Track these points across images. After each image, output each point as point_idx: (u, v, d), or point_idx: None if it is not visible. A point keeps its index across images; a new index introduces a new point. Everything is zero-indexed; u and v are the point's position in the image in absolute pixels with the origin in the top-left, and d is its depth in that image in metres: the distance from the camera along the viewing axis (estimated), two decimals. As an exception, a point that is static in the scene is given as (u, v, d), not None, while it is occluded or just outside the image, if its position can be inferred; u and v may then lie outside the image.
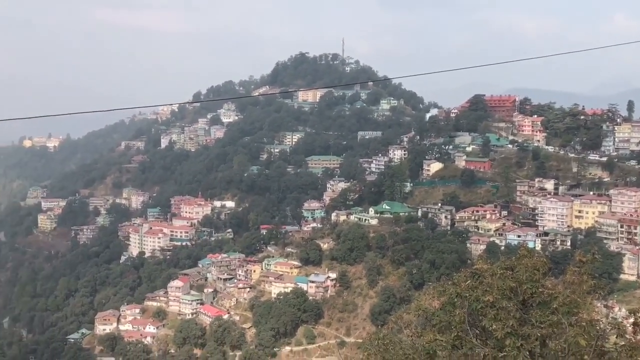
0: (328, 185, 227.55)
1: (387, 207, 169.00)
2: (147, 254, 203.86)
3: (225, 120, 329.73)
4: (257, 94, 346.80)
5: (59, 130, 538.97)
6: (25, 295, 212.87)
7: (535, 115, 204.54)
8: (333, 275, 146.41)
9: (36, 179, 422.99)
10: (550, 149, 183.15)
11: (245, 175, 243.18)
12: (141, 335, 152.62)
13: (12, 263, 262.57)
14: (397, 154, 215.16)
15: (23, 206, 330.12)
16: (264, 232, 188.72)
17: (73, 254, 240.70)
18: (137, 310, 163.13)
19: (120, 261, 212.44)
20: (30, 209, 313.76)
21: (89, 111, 44.09)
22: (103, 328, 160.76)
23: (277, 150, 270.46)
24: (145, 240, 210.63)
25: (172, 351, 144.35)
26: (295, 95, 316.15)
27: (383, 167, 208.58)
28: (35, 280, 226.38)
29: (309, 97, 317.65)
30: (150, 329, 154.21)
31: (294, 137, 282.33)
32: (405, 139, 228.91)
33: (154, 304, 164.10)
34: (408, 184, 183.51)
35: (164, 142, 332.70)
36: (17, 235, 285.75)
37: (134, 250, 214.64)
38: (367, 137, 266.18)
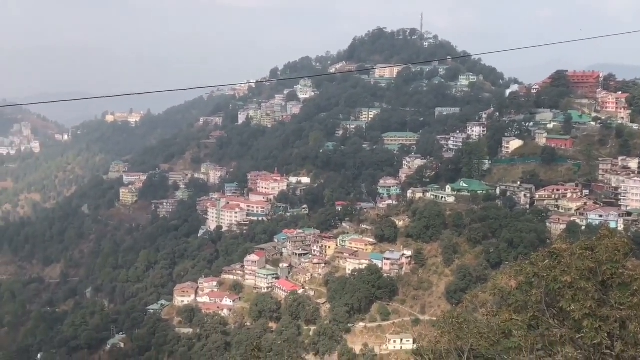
0: (404, 162, 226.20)
1: (464, 184, 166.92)
2: (224, 228, 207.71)
3: (301, 96, 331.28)
4: (333, 70, 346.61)
5: (140, 106, 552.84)
6: (108, 267, 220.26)
7: (620, 92, 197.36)
8: (408, 252, 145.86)
9: (118, 154, 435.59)
10: (635, 126, 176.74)
11: (321, 151, 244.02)
12: (218, 307, 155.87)
13: (95, 235, 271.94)
14: (475, 131, 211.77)
15: (106, 180, 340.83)
16: (339, 208, 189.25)
17: (153, 227, 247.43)
18: (214, 283, 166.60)
19: (199, 235, 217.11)
20: (113, 182, 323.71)
21: (170, 90, 44.90)
22: (181, 300, 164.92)
23: (353, 126, 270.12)
24: (223, 215, 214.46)
25: (248, 324, 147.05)
26: (372, 71, 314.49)
27: (461, 144, 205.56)
28: (117, 252, 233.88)
29: (385, 72, 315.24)
30: (227, 301, 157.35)
31: (370, 113, 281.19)
32: (484, 116, 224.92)
33: (231, 277, 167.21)
34: (486, 162, 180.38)
35: (241, 118, 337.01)
36: (100, 208, 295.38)
37: (211, 225, 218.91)
38: (444, 113, 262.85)
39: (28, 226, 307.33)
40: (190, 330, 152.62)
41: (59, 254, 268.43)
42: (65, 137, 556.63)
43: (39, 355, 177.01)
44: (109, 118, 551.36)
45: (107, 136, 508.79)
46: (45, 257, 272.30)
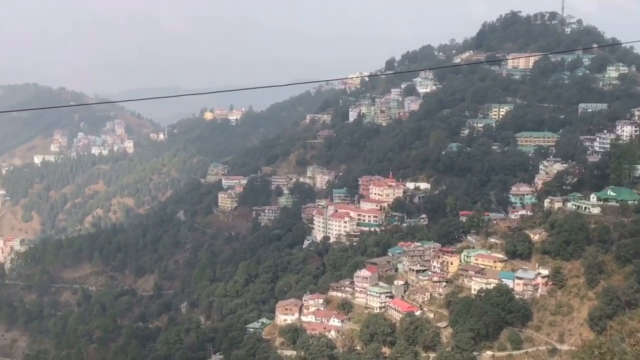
0: (541, 167, 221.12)
1: (612, 193, 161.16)
2: (332, 239, 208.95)
3: (421, 90, 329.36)
4: (459, 60, 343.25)
5: (241, 102, 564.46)
6: (204, 279, 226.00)
7: None
8: (544, 271, 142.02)
9: (217, 155, 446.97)
10: None
11: (443, 153, 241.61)
12: (324, 328, 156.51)
13: (191, 244, 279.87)
14: (626, 131, 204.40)
15: (203, 183, 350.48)
16: (463, 219, 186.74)
17: (253, 237, 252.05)
18: (321, 301, 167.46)
19: (303, 246, 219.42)
20: (211, 186, 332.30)
21: (274, 85, 45.62)
22: (284, 318, 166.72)
23: (480, 125, 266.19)
24: (330, 224, 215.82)
25: (358, 348, 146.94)
26: (504, 62, 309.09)
27: (608, 145, 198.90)
28: (215, 264, 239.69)
29: (520, 63, 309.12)
30: (335, 322, 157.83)
31: (501, 109, 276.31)
32: (636, 113, 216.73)
33: (339, 294, 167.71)
34: (639, 167, 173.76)
35: (352, 115, 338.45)
36: (196, 215, 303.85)
37: (317, 235, 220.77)
38: (589, 110, 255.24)
39: (120, 233, 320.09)
40: (294, 352, 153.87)
41: (152, 264, 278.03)
42: (161, 136, 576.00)
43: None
44: (208, 115, 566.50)
45: (205, 135, 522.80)
46: (138, 268, 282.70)
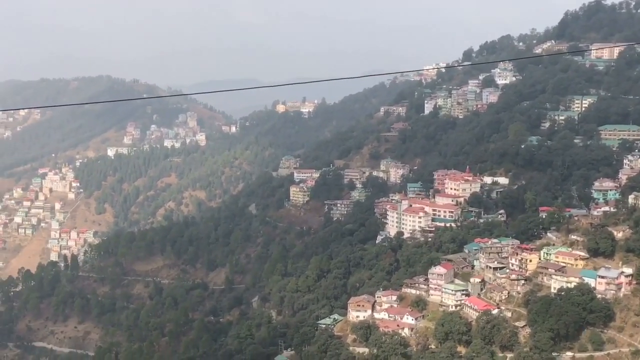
0: (625, 162, 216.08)
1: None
2: (406, 235, 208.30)
3: (500, 81, 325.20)
4: (539, 51, 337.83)
5: (314, 95, 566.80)
6: (276, 274, 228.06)
7: None
8: (628, 270, 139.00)
9: (289, 148, 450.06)
10: None
11: (523, 147, 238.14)
12: (398, 325, 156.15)
13: (262, 238, 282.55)
14: None
15: (275, 177, 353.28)
16: (543, 215, 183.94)
17: (326, 231, 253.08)
18: (394, 298, 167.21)
19: (376, 241, 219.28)
20: (283, 180, 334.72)
21: (347, 77, 45.75)
22: (356, 314, 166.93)
23: (562, 117, 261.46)
24: (404, 219, 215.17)
25: (432, 346, 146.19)
26: (587, 52, 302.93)
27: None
28: (286, 258, 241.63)
29: (604, 53, 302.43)
30: (408, 319, 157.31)
31: (584, 102, 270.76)
32: None
33: (413, 291, 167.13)
34: None
35: (427, 108, 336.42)
36: (268, 208, 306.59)
37: (391, 230, 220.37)
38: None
39: (192, 226, 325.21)
40: (366, 350, 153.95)
41: (224, 258, 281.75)
42: (233, 128, 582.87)
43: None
44: (280, 108, 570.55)
45: (278, 128, 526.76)
46: (210, 261, 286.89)
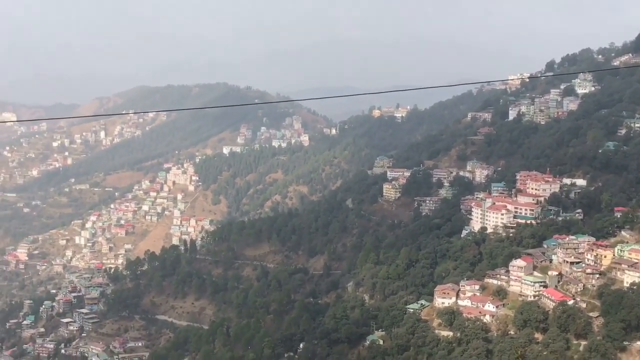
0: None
1: None
2: (489, 230, 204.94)
3: (580, 91, 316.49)
4: (617, 63, 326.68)
5: (407, 101, 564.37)
6: (369, 262, 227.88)
7: None
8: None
9: (383, 149, 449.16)
10: None
11: (600, 151, 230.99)
12: (480, 312, 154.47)
13: (357, 229, 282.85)
14: None
15: (370, 175, 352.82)
16: (618, 214, 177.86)
17: (415, 225, 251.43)
18: (477, 287, 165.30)
19: (461, 235, 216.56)
20: (377, 177, 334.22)
21: (436, 86, 45.62)
22: (442, 301, 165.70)
23: (638, 124, 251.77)
24: (488, 216, 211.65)
25: (512, 332, 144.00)
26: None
27: None
28: (379, 248, 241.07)
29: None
30: (490, 307, 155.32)
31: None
32: None
33: (494, 282, 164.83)
34: None
35: (512, 114, 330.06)
36: (363, 203, 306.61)
37: (475, 225, 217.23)
38: None
39: (295, 217, 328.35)
40: (450, 333, 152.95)
41: (322, 246, 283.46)
42: (333, 131, 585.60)
43: (301, 345, 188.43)
44: (376, 113, 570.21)
45: (373, 131, 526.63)
46: (310, 249, 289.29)
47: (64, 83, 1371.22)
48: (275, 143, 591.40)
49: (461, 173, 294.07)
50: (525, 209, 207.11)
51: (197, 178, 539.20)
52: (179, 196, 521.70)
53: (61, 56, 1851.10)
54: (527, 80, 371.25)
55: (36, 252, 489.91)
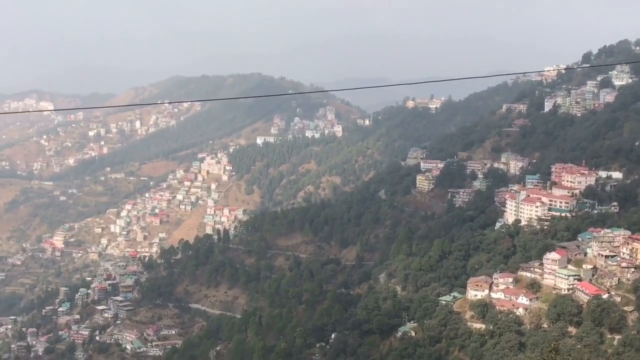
0: None
1: None
2: (523, 223, 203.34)
3: (617, 83, 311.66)
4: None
5: (441, 92, 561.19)
6: (402, 253, 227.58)
7: None
8: None
9: (417, 140, 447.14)
10: None
11: (637, 144, 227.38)
12: (513, 305, 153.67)
13: (390, 220, 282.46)
14: None
15: (403, 166, 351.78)
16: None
17: (448, 216, 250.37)
18: (510, 280, 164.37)
19: (495, 227, 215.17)
20: (410, 169, 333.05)
21: (472, 77, 45.37)
22: (474, 294, 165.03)
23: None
24: (522, 208, 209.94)
25: (545, 325, 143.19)
26: None
27: None
28: (411, 239, 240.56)
29: None
30: (523, 300, 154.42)
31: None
32: None
33: (528, 274, 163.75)
34: None
35: (547, 106, 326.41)
36: (396, 194, 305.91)
37: (509, 218, 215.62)
38: None
39: (328, 208, 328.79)
40: (483, 326, 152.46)
41: (355, 237, 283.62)
42: (366, 122, 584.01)
43: (332, 335, 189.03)
44: (410, 104, 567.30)
45: (407, 122, 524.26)
46: (342, 239, 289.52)
47: (101, 74, 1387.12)
48: (308, 133, 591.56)
49: (495, 165, 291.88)
50: (560, 202, 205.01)
51: (231, 168, 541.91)
52: (213, 186, 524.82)
53: (99, 49, 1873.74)
54: (563, 71, 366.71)
55: (72, 239, 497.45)
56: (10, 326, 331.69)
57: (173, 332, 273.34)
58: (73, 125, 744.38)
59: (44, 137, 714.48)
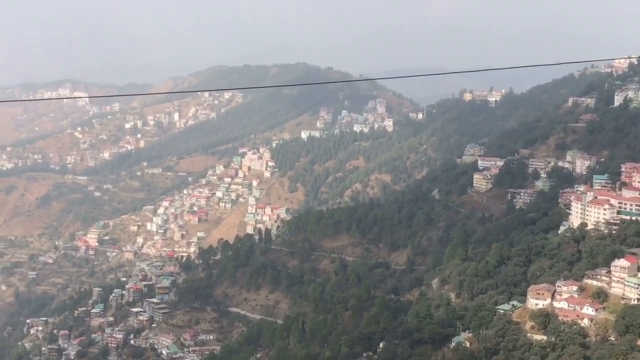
0: None
1: None
2: (590, 226, 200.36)
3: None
4: None
5: (502, 84, 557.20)
6: (456, 257, 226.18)
7: None
8: None
9: (474, 136, 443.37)
10: None
11: None
12: (577, 315, 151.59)
13: (444, 222, 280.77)
14: None
15: (459, 163, 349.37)
16: None
17: (507, 219, 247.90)
18: (574, 288, 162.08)
19: (559, 231, 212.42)
20: (466, 167, 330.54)
21: (533, 65, 45.04)
22: (535, 302, 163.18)
23: None
24: (589, 211, 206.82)
25: (612, 338, 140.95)
26: None
27: None
28: (467, 243, 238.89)
29: None
30: (588, 310, 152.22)
31: None
32: None
33: (594, 283, 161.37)
34: None
35: (617, 100, 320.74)
36: (451, 194, 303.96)
37: (574, 221, 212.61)
38: None
39: (377, 208, 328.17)
40: (544, 337, 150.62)
41: (406, 240, 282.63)
42: (420, 115, 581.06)
43: (380, 344, 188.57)
44: (467, 97, 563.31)
45: (464, 116, 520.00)
46: (392, 242, 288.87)
47: (139, 67, 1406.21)
48: (356, 128, 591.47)
49: (560, 163, 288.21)
50: (631, 204, 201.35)
51: (274, 164, 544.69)
52: (254, 183, 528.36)
53: (138, 42, 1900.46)
54: (636, 62, 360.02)
55: (106, 237, 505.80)
56: (41, 328, 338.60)
57: (211, 337, 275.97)
58: (109, 117, 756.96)
59: (78, 129, 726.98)
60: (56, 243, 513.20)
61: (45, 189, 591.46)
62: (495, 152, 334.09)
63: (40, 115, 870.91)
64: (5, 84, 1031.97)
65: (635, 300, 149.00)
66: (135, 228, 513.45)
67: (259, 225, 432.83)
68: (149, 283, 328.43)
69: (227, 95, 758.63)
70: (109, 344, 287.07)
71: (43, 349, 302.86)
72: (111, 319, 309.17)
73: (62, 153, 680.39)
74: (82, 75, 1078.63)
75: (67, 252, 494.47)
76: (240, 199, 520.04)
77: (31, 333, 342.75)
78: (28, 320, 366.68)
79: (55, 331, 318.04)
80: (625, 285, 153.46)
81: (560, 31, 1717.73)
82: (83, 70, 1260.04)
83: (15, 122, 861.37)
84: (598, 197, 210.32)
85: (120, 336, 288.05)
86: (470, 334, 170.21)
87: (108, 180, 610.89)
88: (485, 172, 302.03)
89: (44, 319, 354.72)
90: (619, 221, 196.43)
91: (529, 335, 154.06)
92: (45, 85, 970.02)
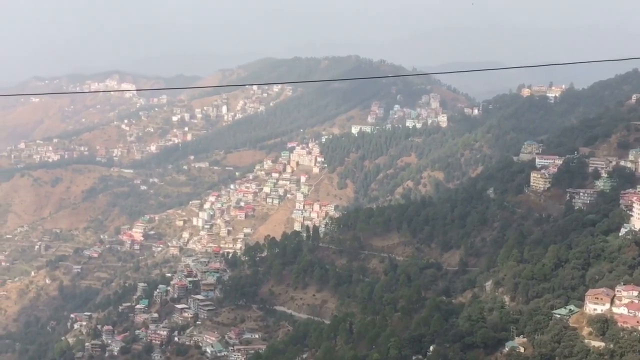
0: None
1: None
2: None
3: None
4: None
5: (562, 79, 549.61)
6: (511, 259, 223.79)
7: None
8: None
9: (532, 132, 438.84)
10: None
11: None
12: (638, 322, 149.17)
13: (499, 222, 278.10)
14: None
15: (516, 161, 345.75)
16: None
17: (566, 220, 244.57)
18: (635, 293, 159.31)
19: (619, 234, 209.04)
20: (523, 165, 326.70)
21: (594, 60, 44.12)
22: (594, 307, 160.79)
23: None
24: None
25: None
26: None
27: None
28: (523, 244, 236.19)
29: None
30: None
31: None
32: None
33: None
34: None
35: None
36: (506, 193, 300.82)
37: (636, 223, 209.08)
38: None
39: (429, 206, 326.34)
40: (602, 344, 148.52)
41: (458, 240, 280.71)
42: (475, 111, 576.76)
43: (430, 347, 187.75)
44: (525, 92, 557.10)
45: (521, 112, 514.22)
46: (444, 242, 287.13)
47: (188, 58, 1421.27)
48: (409, 123, 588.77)
49: (622, 163, 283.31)
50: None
51: (323, 159, 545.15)
52: (303, 178, 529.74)
53: (186, 32, 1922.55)
54: None
55: (152, 232, 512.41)
56: (84, 323, 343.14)
57: (256, 336, 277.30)
58: (156, 109, 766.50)
59: (125, 121, 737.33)
60: (101, 237, 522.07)
61: (91, 182, 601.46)
62: (553, 150, 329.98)
63: (87, 107, 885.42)
64: (52, 75, 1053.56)
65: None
66: (181, 223, 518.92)
67: (307, 222, 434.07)
68: (194, 279, 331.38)
69: (276, 88, 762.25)
70: (153, 341, 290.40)
71: (86, 344, 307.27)
72: (155, 315, 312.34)
73: (108, 145, 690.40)
74: (129, 67, 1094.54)
75: (112, 246, 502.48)
76: (288, 195, 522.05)
77: (75, 328, 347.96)
78: (72, 315, 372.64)
79: (99, 326, 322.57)
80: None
81: (622, 29, 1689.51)
82: (131, 61, 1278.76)
83: (62, 114, 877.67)
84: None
85: (165, 333, 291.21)
86: (525, 339, 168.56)
87: (154, 174, 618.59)
88: (543, 171, 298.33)
89: (88, 313, 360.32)
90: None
91: (586, 341, 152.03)
92: (93, 76, 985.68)
